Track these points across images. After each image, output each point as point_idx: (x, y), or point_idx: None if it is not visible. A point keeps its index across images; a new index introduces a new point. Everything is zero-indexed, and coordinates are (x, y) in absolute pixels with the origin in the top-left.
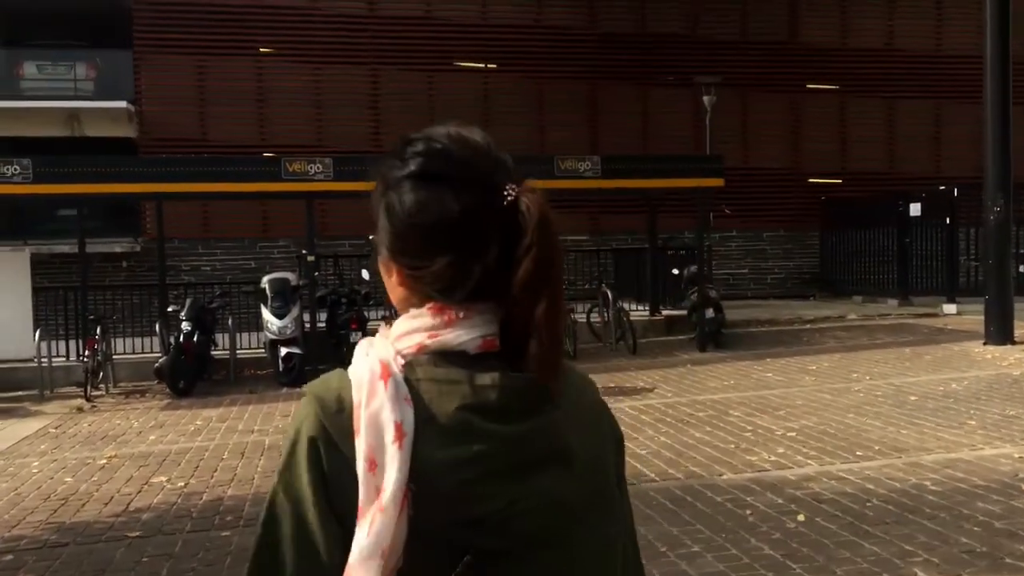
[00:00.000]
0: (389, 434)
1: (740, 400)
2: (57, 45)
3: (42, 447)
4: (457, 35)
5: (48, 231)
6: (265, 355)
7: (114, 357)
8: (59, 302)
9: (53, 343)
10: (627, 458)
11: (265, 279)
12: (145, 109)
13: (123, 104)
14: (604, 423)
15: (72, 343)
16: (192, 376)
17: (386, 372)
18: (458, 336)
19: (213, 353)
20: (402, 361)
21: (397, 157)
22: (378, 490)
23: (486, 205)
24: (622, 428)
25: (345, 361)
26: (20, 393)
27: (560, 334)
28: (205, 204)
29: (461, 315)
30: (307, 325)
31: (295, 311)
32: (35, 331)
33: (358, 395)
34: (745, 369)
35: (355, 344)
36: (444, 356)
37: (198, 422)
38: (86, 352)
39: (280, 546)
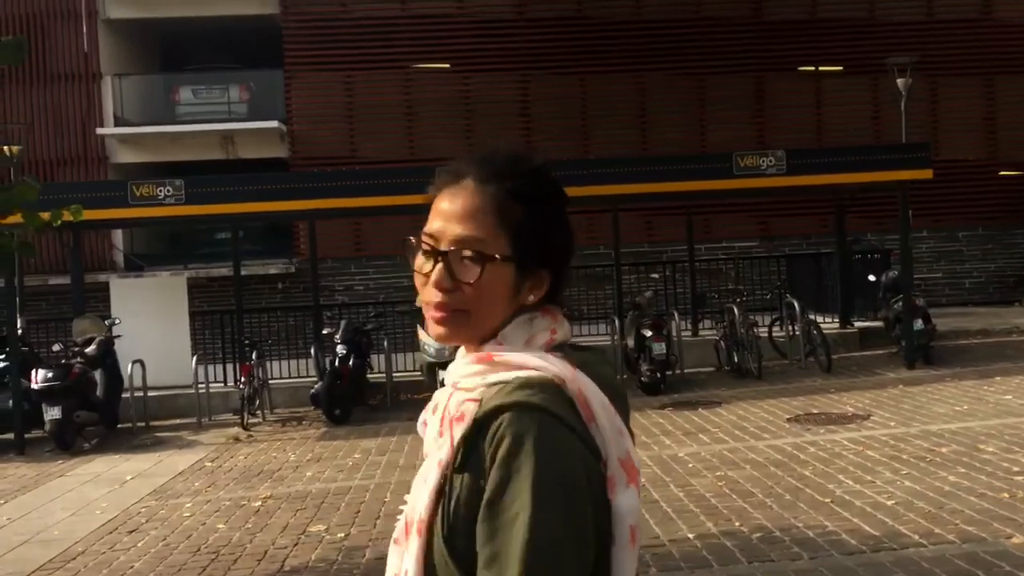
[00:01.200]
0: (610, 413)
1: (986, 431)
2: (211, 68)
3: (196, 484)
4: (609, 35)
5: (205, 255)
6: (422, 378)
7: (270, 382)
8: (216, 326)
9: (211, 368)
10: (870, 509)
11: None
12: (296, 128)
13: (275, 124)
14: None
15: (229, 367)
16: (348, 402)
17: (566, 363)
18: (565, 329)
19: (369, 376)
20: (557, 354)
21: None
22: (622, 461)
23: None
24: (846, 465)
25: None
26: (179, 421)
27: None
28: (357, 222)
29: (558, 312)
30: None
31: None
32: (193, 357)
33: (574, 387)
34: (974, 390)
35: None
36: (561, 347)
37: (356, 455)
38: (242, 379)
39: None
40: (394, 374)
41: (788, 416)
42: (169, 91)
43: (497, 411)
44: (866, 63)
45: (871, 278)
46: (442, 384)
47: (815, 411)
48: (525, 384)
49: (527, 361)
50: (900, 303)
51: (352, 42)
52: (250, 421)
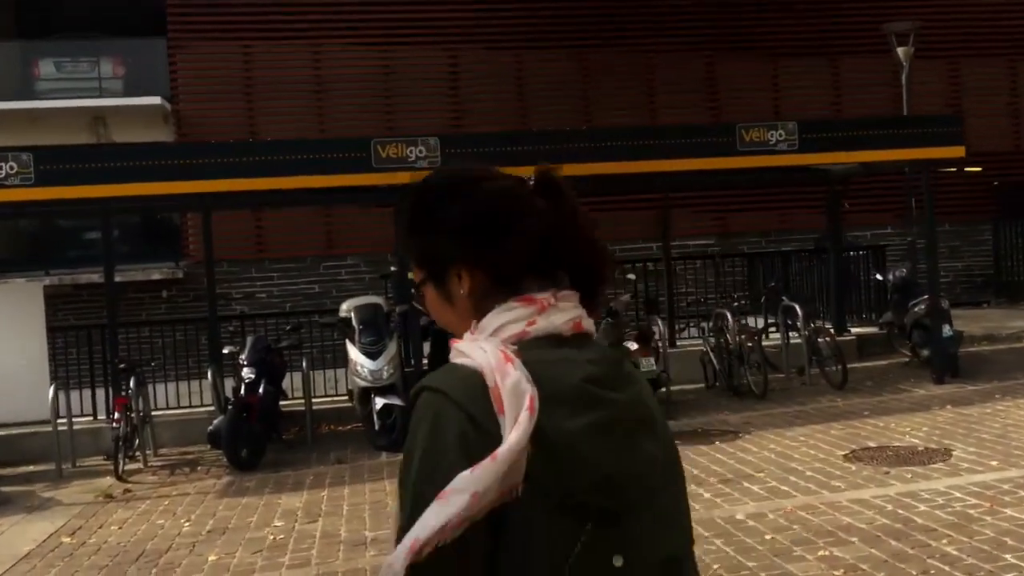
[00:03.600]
0: (524, 403)
1: None
2: (78, 37)
3: None
4: (547, 4)
5: (72, 259)
6: (349, 404)
7: (153, 415)
8: (82, 344)
9: (75, 398)
10: None
11: (349, 305)
12: (183, 107)
13: (157, 101)
14: (658, 405)
15: (100, 395)
16: (258, 440)
17: (508, 356)
18: (552, 320)
19: (281, 404)
20: (513, 347)
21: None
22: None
23: (522, 184)
24: (995, 535)
25: None
26: (32, 468)
27: (602, 295)
28: (259, 216)
29: (551, 301)
30: (407, 365)
31: (392, 347)
32: (51, 384)
33: (492, 378)
34: None
35: None
36: (545, 340)
37: (277, 522)
38: (115, 414)
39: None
40: (313, 400)
41: (842, 452)
42: (27, 63)
43: (417, 392)
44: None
45: (878, 277)
46: (378, 413)
47: (871, 444)
48: (449, 370)
49: (469, 350)
50: (919, 306)
51: (251, 6)
52: (127, 468)
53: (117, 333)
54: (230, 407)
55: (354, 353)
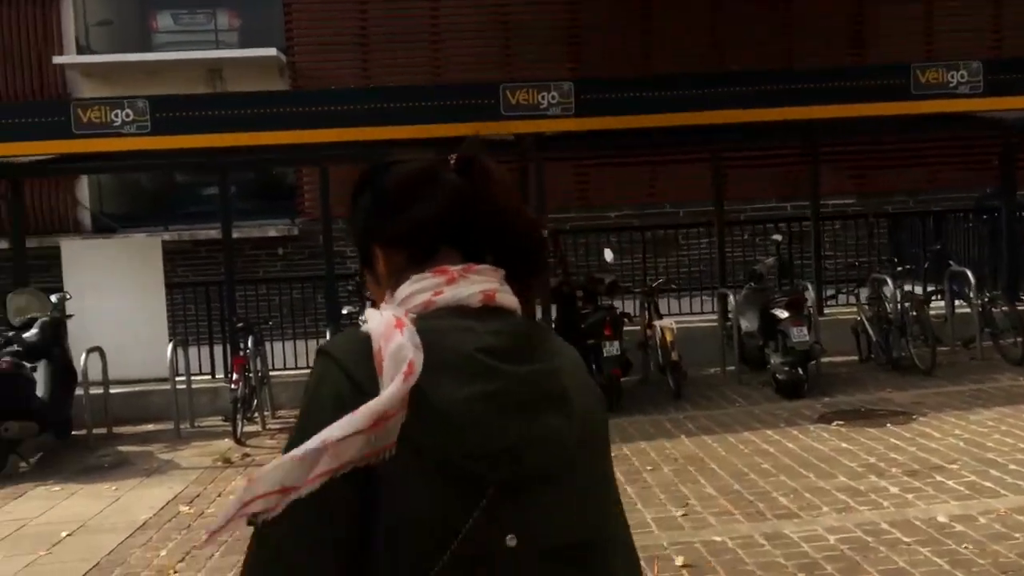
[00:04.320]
0: (402, 368)
1: None
2: None
3: (163, 553)
4: None
5: (191, 215)
6: None
7: (271, 376)
8: (200, 301)
9: (193, 356)
10: None
11: None
12: (298, 59)
13: (272, 52)
14: (590, 381)
15: (218, 353)
16: None
17: (400, 322)
18: (459, 291)
19: None
20: (412, 316)
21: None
22: (378, 410)
23: (437, 163)
24: None
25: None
26: (151, 427)
27: (535, 268)
28: None
29: (461, 272)
30: None
31: None
32: (170, 342)
33: (378, 343)
34: None
35: (609, 357)
36: (450, 311)
37: None
38: (234, 375)
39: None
40: None
41: None
42: (145, 16)
43: (316, 355)
44: None
45: None
46: None
47: None
48: (346, 334)
49: (370, 316)
50: None
51: None
52: (245, 431)
53: (235, 290)
54: None
55: None
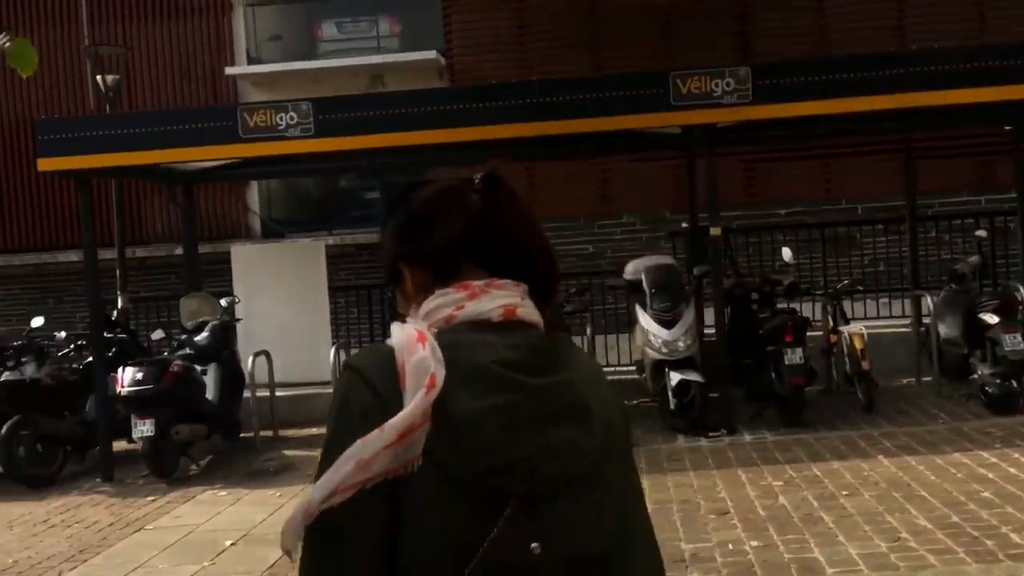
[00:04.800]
0: (425, 380)
1: None
2: None
3: None
4: None
5: (354, 218)
6: (639, 378)
7: None
8: (362, 304)
9: None
10: None
11: (637, 266)
12: (457, 60)
13: (432, 55)
14: (611, 393)
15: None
16: None
17: (422, 336)
18: (480, 306)
19: None
20: (435, 330)
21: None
22: (404, 425)
23: (459, 186)
24: None
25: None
26: (315, 431)
27: (557, 284)
28: (530, 175)
29: (483, 288)
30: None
31: (689, 315)
32: (332, 346)
33: (401, 356)
34: None
35: (791, 365)
36: (471, 325)
37: None
38: None
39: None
40: None
41: None
42: (310, 25)
43: (343, 369)
44: None
45: None
46: (673, 390)
47: None
48: (371, 348)
49: (395, 330)
50: None
51: None
52: None
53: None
54: None
55: (645, 320)
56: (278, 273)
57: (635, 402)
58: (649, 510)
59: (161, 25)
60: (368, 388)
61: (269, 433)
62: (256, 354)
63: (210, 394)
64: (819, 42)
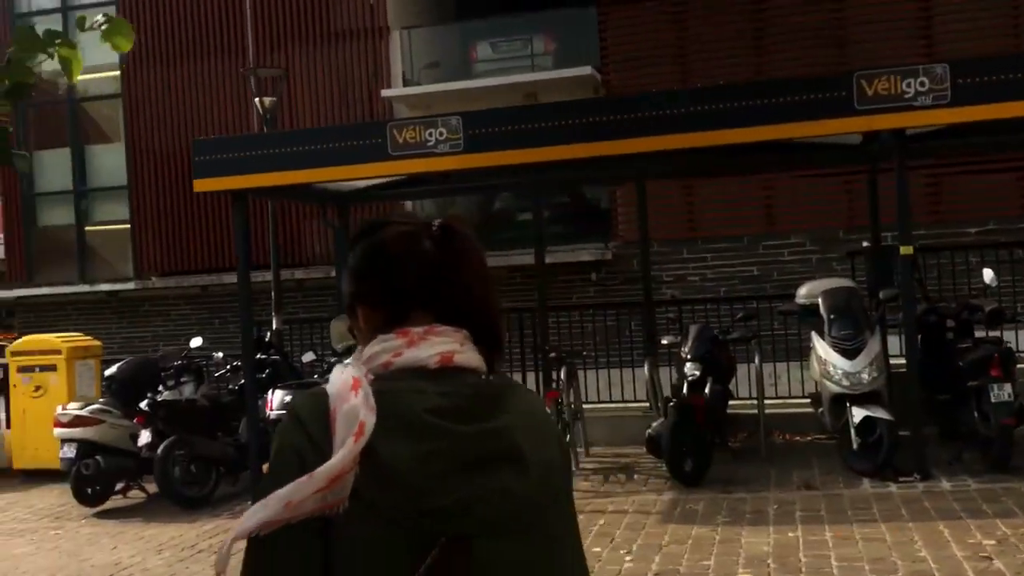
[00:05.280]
0: (354, 428)
1: None
2: (511, 13)
3: None
4: None
5: (506, 239)
6: (810, 411)
7: (584, 408)
8: (514, 327)
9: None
10: None
11: (812, 289)
12: (612, 75)
13: (587, 70)
14: (553, 436)
15: (531, 380)
16: (704, 451)
17: (356, 383)
18: (417, 353)
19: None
20: (371, 377)
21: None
22: (332, 471)
23: (416, 232)
24: None
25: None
26: None
27: (503, 338)
28: (689, 187)
29: (421, 335)
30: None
31: (874, 344)
32: None
33: (334, 403)
34: None
35: (999, 403)
36: (408, 371)
37: (743, 573)
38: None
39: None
40: (765, 402)
41: None
42: (465, 46)
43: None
44: None
45: None
46: (856, 428)
47: None
48: (312, 391)
49: (334, 375)
50: None
51: None
52: None
53: (547, 318)
54: (671, 408)
55: (823, 349)
56: None
57: (808, 438)
58: (833, 568)
59: (320, 49)
60: (303, 431)
61: None
62: None
63: None
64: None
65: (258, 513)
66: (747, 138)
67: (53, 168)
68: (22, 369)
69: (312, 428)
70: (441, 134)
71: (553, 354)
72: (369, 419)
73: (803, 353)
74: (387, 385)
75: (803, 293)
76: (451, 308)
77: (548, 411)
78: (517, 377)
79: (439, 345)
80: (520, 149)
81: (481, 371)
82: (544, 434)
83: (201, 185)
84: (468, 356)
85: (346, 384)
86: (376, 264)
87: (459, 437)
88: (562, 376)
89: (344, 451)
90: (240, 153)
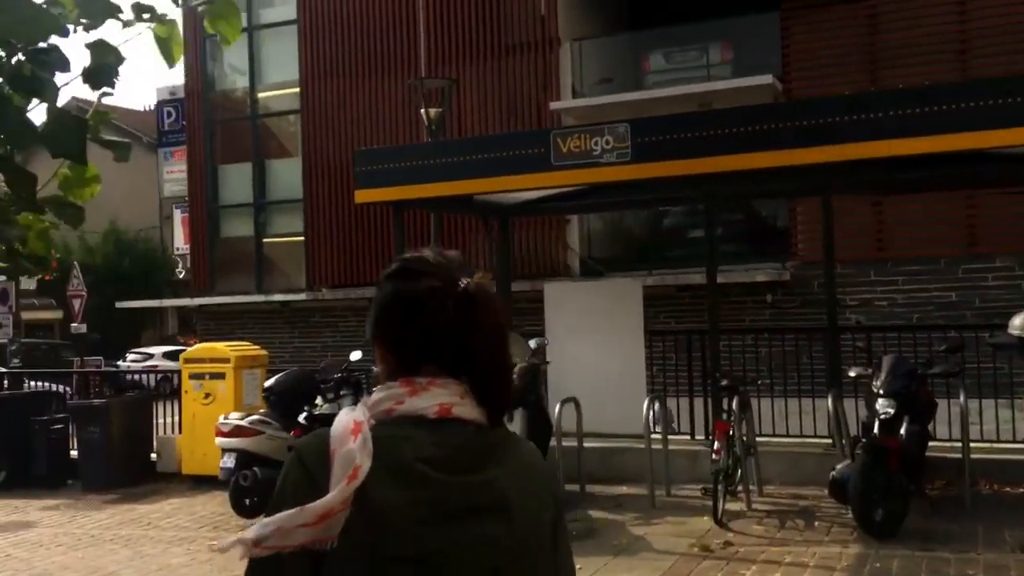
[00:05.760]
0: (347, 471)
1: None
2: (687, 21)
3: None
4: None
5: (675, 257)
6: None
7: (758, 442)
8: (681, 350)
9: (672, 410)
10: None
11: None
12: (795, 84)
13: (767, 79)
14: (543, 482)
15: (699, 408)
16: (898, 499)
17: (357, 428)
18: (418, 403)
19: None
20: (373, 422)
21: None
22: (323, 508)
23: (443, 289)
24: None
25: None
26: (625, 490)
27: (508, 395)
28: (879, 211)
29: (424, 385)
30: None
31: None
32: (647, 396)
33: (334, 445)
34: None
35: None
36: (408, 419)
37: None
38: (715, 444)
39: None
40: (970, 445)
41: None
42: (637, 57)
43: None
44: None
45: None
46: None
47: None
48: (315, 434)
49: (339, 417)
50: None
51: None
52: (727, 508)
53: (719, 341)
54: (859, 449)
55: None
56: (591, 314)
57: (1021, 490)
58: None
59: (489, 62)
60: (303, 469)
61: (575, 487)
62: (564, 401)
63: None
64: None
65: (260, 530)
66: (951, 146)
67: (236, 181)
68: (193, 376)
69: (312, 467)
70: (608, 143)
71: (724, 381)
72: (365, 463)
73: (1014, 390)
74: (386, 431)
75: (1017, 324)
76: (460, 365)
77: (542, 461)
78: (684, 404)
79: (439, 396)
80: (692, 159)
81: (479, 423)
82: (535, 484)
83: (362, 196)
84: (467, 409)
85: (347, 428)
86: (400, 316)
87: (450, 487)
88: (734, 406)
89: (336, 492)
90: (400, 164)
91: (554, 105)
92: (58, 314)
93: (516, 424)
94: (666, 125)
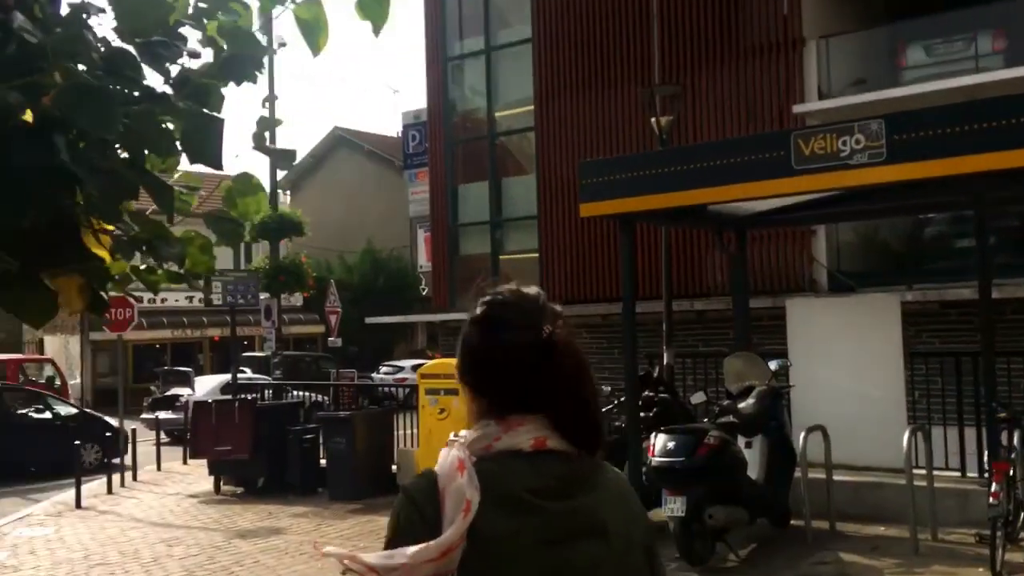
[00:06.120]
0: (462, 505)
1: None
2: (952, 8)
3: None
4: None
5: (938, 271)
6: None
7: None
8: (948, 374)
9: (938, 442)
10: None
11: None
12: None
13: None
14: (635, 507)
15: (970, 437)
16: None
17: (462, 465)
18: (514, 438)
19: None
20: (474, 459)
21: (474, 305)
22: (444, 543)
23: (529, 341)
24: None
25: None
26: (882, 530)
27: (597, 426)
28: None
29: (517, 423)
30: None
31: None
32: (908, 426)
33: (443, 482)
34: None
35: None
36: (506, 454)
37: None
38: (994, 486)
39: None
40: None
41: None
42: (892, 51)
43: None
44: None
45: None
46: None
47: None
48: (423, 472)
49: (442, 456)
50: None
51: None
52: (1008, 559)
53: (994, 365)
54: None
55: None
56: (842, 333)
57: None
58: None
59: (726, 66)
60: (416, 509)
61: (824, 525)
62: (810, 429)
63: (753, 472)
64: None
65: (380, 561)
66: None
67: (474, 200)
68: (429, 391)
69: (423, 506)
70: (858, 142)
71: (1003, 413)
72: (475, 497)
73: None
74: (488, 466)
75: None
76: (543, 403)
77: (630, 487)
78: (952, 435)
79: (533, 431)
80: (959, 157)
81: (570, 453)
82: (628, 509)
83: (587, 210)
84: (557, 441)
85: (453, 465)
86: (487, 368)
87: (555, 513)
88: (1015, 441)
89: (454, 526)
90: (626, 174)
91: (798, 108)
92: (321, 328)
93: (755, 451)
94: (928, 119)
